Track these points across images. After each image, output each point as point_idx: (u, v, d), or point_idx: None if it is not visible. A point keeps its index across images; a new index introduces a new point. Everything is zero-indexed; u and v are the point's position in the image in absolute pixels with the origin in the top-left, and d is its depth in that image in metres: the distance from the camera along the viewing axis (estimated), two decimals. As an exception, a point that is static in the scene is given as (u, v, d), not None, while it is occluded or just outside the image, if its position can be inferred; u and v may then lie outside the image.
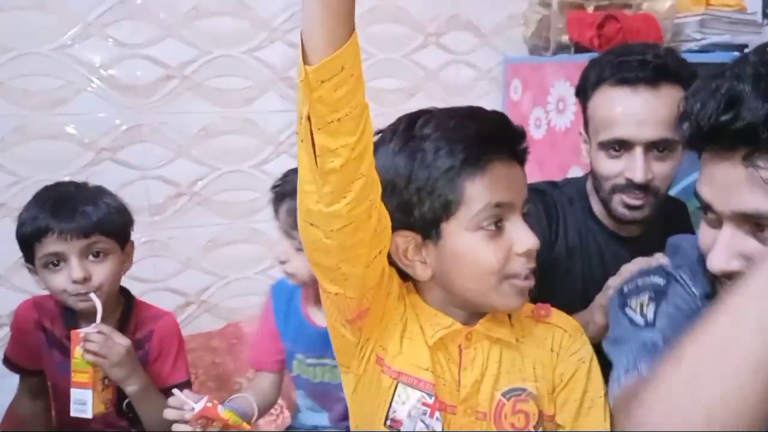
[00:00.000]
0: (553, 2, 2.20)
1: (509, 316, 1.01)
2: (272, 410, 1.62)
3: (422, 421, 0.95)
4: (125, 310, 1.41)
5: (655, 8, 2.07)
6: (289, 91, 2.14)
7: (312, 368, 1.40)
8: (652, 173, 1.23)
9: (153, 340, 1.41)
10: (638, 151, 1.23)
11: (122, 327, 1.34)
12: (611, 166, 1.27)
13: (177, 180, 2.08)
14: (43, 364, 1.41)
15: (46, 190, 1.34)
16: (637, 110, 1.22)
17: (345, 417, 1.17)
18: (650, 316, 0.94)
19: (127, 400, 1.35)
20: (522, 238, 0.91)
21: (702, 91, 0.79)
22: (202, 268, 2.16)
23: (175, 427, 1.12)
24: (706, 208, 0.85)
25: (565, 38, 2.17)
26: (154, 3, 1.97)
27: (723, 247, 0.83)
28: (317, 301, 1.32)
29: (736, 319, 0.63)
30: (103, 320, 1.27)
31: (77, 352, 1.25)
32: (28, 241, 1.28)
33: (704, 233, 0.88)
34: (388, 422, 0.96)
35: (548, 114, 2.21)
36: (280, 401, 1.65)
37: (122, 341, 1.27)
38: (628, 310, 0.97)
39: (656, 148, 1.23)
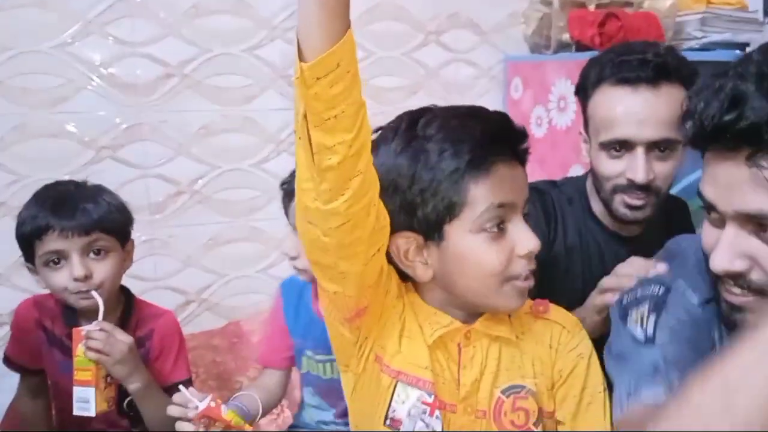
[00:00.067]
0: (554, 0, 2.20)
1: (508, 313, 1.01)
2: (273, 409, 1.62)
3: (422, 420, 0.95)
4: (126, 308, 1.41)
5: (657, 6, 2.07)
6: (289, 89, 2.14)
7: (322, 364, 1.40)
8: (654, 173, 1.23)
9: (154, 338, 1.40)
10: (639, 151, 1.22)
11: (123, 325, 1.34)
12: (612, 167, 1.26)
13: (177, 178, 2.08)
14: (43, 363, 1.41)
15: (46, 189, 1.34)
16: (638, 110, 1.21)
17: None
18: (650, 329, 0.93)
19: (127, 399, 1.35)
20: (524, 239, 0.91)
21: (705, 90, 0.78)
22: (202, 266, 2.15)
23: (178, 425, 1.11)
24: (709, 207, 0.85)
25: (566, 36, 2.17)
26: (154, 1, 1.97)
27: (726, 247, 0.82)
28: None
29: (744, 367, 0.62)
30: (104, 319, 1.27)
31: (79, 350, 1.24)
32: (28, 239, 1.28)
33: (707, 233, 0.88)
34: (388, 421, 0.96)
35: (549, 113, 2.21)
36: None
37: (124, 338, 1.27)
38: (629, 323, 0.97)
39: (657, 147, 1.22)
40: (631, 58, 1.22)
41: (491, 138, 0.89)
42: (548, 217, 1.37)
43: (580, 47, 2.10)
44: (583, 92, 1.32)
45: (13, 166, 1.88)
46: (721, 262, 0.83)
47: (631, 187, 1.24)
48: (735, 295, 0.86)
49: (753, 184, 0.77)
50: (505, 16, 2.46)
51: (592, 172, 1.34)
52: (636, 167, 1.22)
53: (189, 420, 1.10)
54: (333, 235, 0.80)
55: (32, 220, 1.27)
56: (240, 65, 2.09)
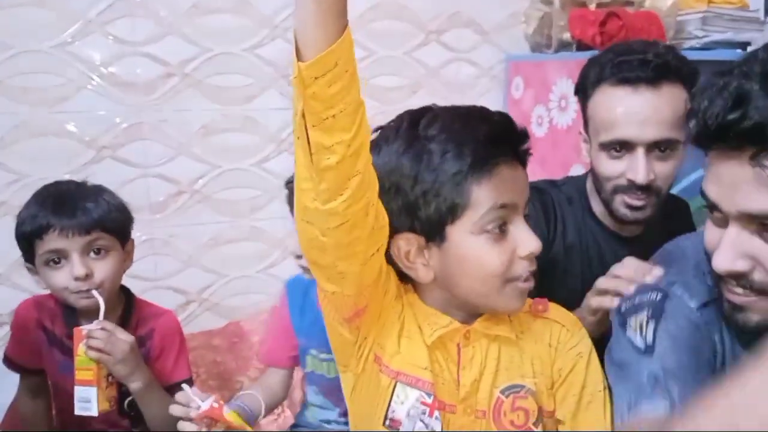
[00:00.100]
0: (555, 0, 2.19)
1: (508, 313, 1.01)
2: (275, 409, 1.62)
3: (421, 420, 0.95)
4: (126, 308, 1.41)
5: (658, 5, 2.07)
6: (290, 88, 2.12)
7: (326, 363, 1.40)
8: (654, 174, 1.22)
9: (154, 338, 1.41)
10: (640, 151, 1.21)
11: (123, 325, 1.34)
12: (612, 167, 1.26)
13: (178, 178, 2.07)
14: (43, 364, 1.41)
15: (46, 188, 1.34)
16: (639, 110, 1.20)
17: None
18: (650, 337, 0.93)
19: (128, 399, 1.35)
20: (525, 241, 0.91)
21: (709, 88, 0.78)
22: (203, 266, 2.15)
23: (180, 425, 1.11)
24: (712, 207, 0.84)
25: (567, 36, 2.16)
26: (155, 0, 1.96)
27: (729, 247, 0.82)
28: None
29: (751, 392, 0.62)
30: (105, 318, 1.27)
31: (80, 349, 1.24)
32: (28, 239, 1.28)
33: (710, 232, 0.88)
34: (387, 422, 0.96)
35: (550, 112, 2.21)
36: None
37: (126, 337, 1.27)
38: (628, 331, 0.97)
39: (658, 148, 1.22)
40: (631, 58, 1.22)
41: (494, 139, 0.89)
42: (548, 217, 1.37)
43: (581, 46, 2.09)
44: (583, 92, 1.31)
45: (13, 166, 1.87)
46: (723, 262, 0.83)
47: (632, 187, 1.24)
48: (737, 295, 0.86)
49: (756, 184, 0.77)
50: (506, 15, 2.45)
51: (593, 172, 1.34)
52: (636, 168, 1.22)
53: (191, 420, 1.10)
54: (331, 235, 0.79)
55: (32, 219, 1.27)
56: (241, 64, 2.09)
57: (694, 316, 0.93)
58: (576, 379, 1.00)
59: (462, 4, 2.39)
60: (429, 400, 0.95)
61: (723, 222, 0.84)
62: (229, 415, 1.10)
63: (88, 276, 1.27)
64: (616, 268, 1.11)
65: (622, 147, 1.23)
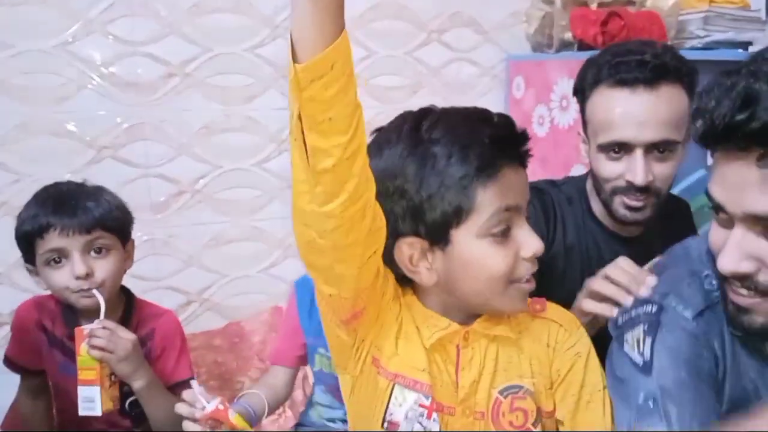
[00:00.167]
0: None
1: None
2: (278, 408, 1.62)
3: (419, 422, 0.95)
4: (126, 308, 1.41)
5: (659, 5, 2.06)
6: (290, 88, 2.13)
7: None
8: (653, 175, 1.22)
9: (155, 338, 1.40)
10: (638, 153, 1.21)
11: (123, 325, 1.33)
12: (611, 168, 1.25)
13: (178, 178, 2.07)
14: (44, 364, 1.40)
15: (46, 189, 1.34)
16: (637, 112, 1.20)
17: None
18: (647, 353, 0.94)
19: (129, 400, 1.35)
20: (528, 242, 0.91)
21: (717, 88, 0.77)
22: (203, 266, 2.15)
23: (185, 424, 1.11)
24: (717, 208, 0.84)
25: (568, 35, 2.16)
26: (155, 0, 1.96)
27: (734, 248, 0.82)
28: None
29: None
30: (105, 318, 1.27)
31: (82, 349, 1.24)
32: (29, 238, 1.28)
33: (715, 233, 0.87)
34: (385, 424, 0.96)
35: (551, 111, 2.21)
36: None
37: (128, 336, 1.27)
38: (625, 347, 0.97)
39: (656, 149, 1.21)
40: (629, 59, 1.21)
41: (498, 142, 0.89)
42: (548, 217, 1.37)
43: (583, 46, 2.09)
44: (581, 94, 1.31)
45: (14, 166, 1.87)
46: (728, 263, 0.82)
47: (631, 188, 1.23)
48: (742, 296, 0.86)
49: (763, 186, 0.76)
50: (507, 15, 2.45)
51: (592, 173, 1.33)
52: (635, 169, 1.21)
53: (195, 420, 1.10)
54: (328, 238, 0.79)
55: (33, 219, 1.27)
56: (241, 64, 2.09)
57: (691, 327, 0.93)
58: (574, 379, 1.00)
59: (463, 4, 2.39)
60: (427, 403, 0.95)
61: (728, 223, 0.84)
62: (235, 419, 1.10)
63: (88, 275, 1.27)
64: (610, 271, 1.10)
65: (620, 148, 1.23)
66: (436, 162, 0.87)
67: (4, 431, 1.52)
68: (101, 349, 1.23)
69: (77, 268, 1.26)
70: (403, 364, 0.96)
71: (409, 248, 0.92)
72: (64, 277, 1.28)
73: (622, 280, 1.06)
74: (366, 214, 0.80)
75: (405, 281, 0.98)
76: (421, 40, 2.35)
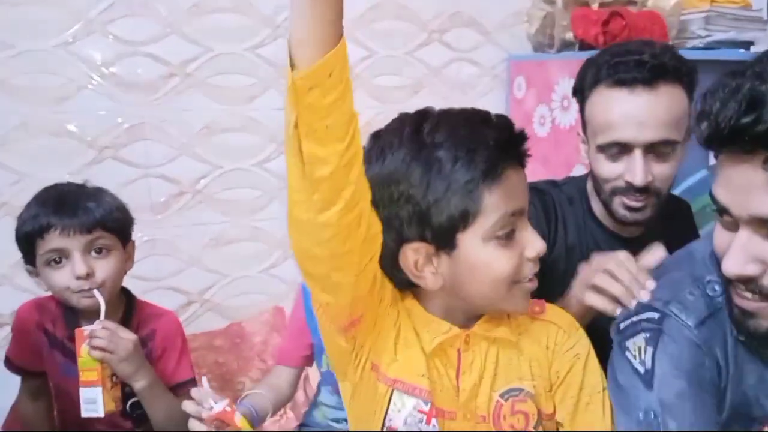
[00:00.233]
0: (558, -1, 2.19)
1: (507, 314, 1.01)
2: (281, 408, 1.62)
3: (419, 428, 0.95)
4: (127, 309, 1.41)
5: (660, 5, 2.06)
6: (291, 88, 2.12)
7: None
8: (652, 175, 1.22)
9: (156, 338, 1.40)
10: (637, 153, 1.21)
11: (124, 326, 1.33)
12: (610, 169, 1.25)
13: (179, 178, 2.07)
14: (44, 366, 1.40)
15: (46, 190, 1.34)
16: (636, 112, 1.19)
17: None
18: (648, 362, 0.94)
19: (131, 401, 1.34)
20: (532, 242, 0.92)
21: (721, 89, 0.77)
22: (204, 266, 2.15)
23: (190, 423, 1.11)
24: (722, 210, 0.83)
25: (569, 35, 2.16)
26: (156, 0, 1.96)
27: (739, 251, 0.81)
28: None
29: None
30: (106, 319, 1.27)
31: (83, 350, 1.24)
32: (29, 239, 1.28)
33: (719, 236, 0.87)
34: (385, 430, 0.96)
35: (552, 112, 2.20)
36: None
37: (129, 336, 1.27)
38: (627, 354, 0.97)
39: (656, 149, 1.21)
40: (628, 59, 1.21)
41: (502, 145, 0.89)
42: (549, 217, 1.36)
43: (584, 46, 2.08)
44: (580, 94, 1.31)
45: (14, 166, 1.87)
46: (733, 265, 0.82)
47: (630, 189, 1.23)
48: (747, 300, 0.85)
49: None
50: (508, 14, 2.45)
51: (592, 173, 1.33)
52: (634, 170, 1.21)
53: (201, 419, 1.10)
54: (325, 247, 0.79)
55: (33, 219, 1.27)
56: (242, 64, 2.08)
57: (693, 335, 0.93)
58: (574, 381, 1.00)
59: (463, 4, 2.38)
60: (426, 408, 0.95)
61: (733, 225, 0.83)
62: (240, 421, 1.10)
63: (89, 275, 1.27)
64: (613, 267, 1.08)
65: (619, 149, 1.23)
66: (441, 166, 0.86)
67: (4, 432, 1.52)
68: (102, 349, 1.23)
69: (78, 268, 1.26)
70: (402, 370, 0.95)
71: (414, 254, 0.91)
72: (64, 277, 1.27)
73: (624, 279, 1.05)
74: (362, 222, 0.80)
75: (406, 286, 0.98)
76: (422, 40, 2.34)
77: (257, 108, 2.12)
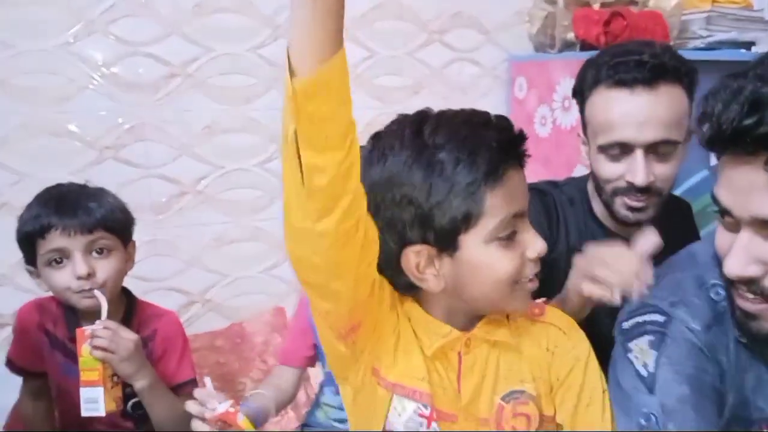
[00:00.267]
0: (559, -1, 2.19)
1: (507, 316, 1.01)
2: (284, 408, 1.62)
3: None
4: (127, 310, 1.41)
5: (662, 5, 2.06)
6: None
7: None
8: (654, 175, 1.22)
9: (156, 339, 1.40)
10: (638, 153, 1.21)
11: (125, 326, 1.33)
12: (612, 169, 1.25)
13: (180, 178, 2.07)
14: (45, 367, 1.40)
15: (48, 191, 1.35)
16: (636, 112, 1.20)
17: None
18: (651, 366, 0.94)
19: (132, 401, 1.34)
20: (533, 242, 0.92)
21: (723, 91, 0.77)
22: (205, 267, 2.15)
23: (193, 424, 1.11)
24: (723, 212, 0.83)
25: (570, 35, 2.16)
26: (157, 0, 1.96)
27: (740, 252, 0.81)
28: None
29: None
30: (107, 319, 1.27)
31: (84, 349, 1.24)
32: (30, 239, 1.28)
33: (721, 237, 0.87)
34: None
35: (554, 112, 2.20)
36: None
37: (130, 336, 1.27)
38: (630, 355, 0.97)
39: (657, 149, 1.21)
40: (627, 59, 1.21)
41: (504, 146, 0.88)
42: (550, 218, 1.36)
43: (585, 46, 2.09)
44: (580, 95, 1.31)
45: (15, 166, 1.87)
46: (735, 266, 0.82)
47: (631, 189, 1.23)
48: (748, 301, 0.85)
49: None
50: (509, 15, 2.44)
51: (593, 174, 1.33)
52: (635, 170, 1.21)
53: (204, 419, 1.10)
54: (323, 255, 0.79)
55: (34, 219, 1.27)
56: (243, 64, 2.08)
57: (699, 340, 0.93)
58: (574, 382, 1.00)
59: (464, 4, 2.38)
60: (426, 412, 0.94)
61: (735, 227, 0.83)
62: (243, 422, 1.10)
63: (90, 275, 1.27)
64: (611, 259, 1.07)
65: (620, 149, 1.23)
66: (443, 168, 0.86)
67: (6, 432, 1.53)
68: (103, 349, 1.23)
69: (79, 268, 1.26)
70: (401, 374, 0.95)
71: (416, 256, 0.91)
72: (65, 277, 1.27)
73: (622, 269, 1.04)
74: (359, 229, 0.80)
75: (407, 289, 0.97)
76: (423, 40, 2.34)
77: (258, 108, 2.12)
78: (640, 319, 0.99)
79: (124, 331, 1.27)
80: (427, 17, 2.33)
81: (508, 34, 2.45)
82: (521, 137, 0.92)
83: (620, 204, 1.26)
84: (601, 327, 1.13)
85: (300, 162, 0.72)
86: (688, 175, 1.67)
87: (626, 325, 1.01)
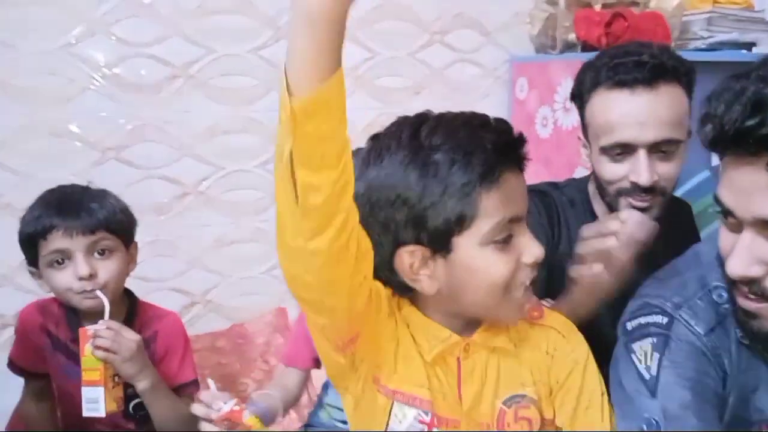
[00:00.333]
0: (560, 0, 2.19)
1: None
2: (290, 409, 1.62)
3: None
4: (129, 311, 1.41)
5: (663, 6, 2.06)
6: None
7: None
8: (657, 174, 1.22)
9: (158, 340, 1.40)
10: (641, 153, 1.21)
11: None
12: (615, 170, 1.25)
13: (182, 179, 2.07)
14: (48, 368, 1.40)
15: (50, 192, 1.35)
16: (637, 112, 1.20)
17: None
18: (654, 369, 0.94)
19: (134, 402, 1.34)
20: (530, 247, 0.91)
21: (726, 92, 0.77)
22: (207, 267, 2.15)
23: (200, 425, 1.11)
24: (726, 212, 0.83)
25: (572, 36, 2.16)
26: (159, 1, 1.96)
27: (743, 253, 0.81)
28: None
29: None
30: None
31: (87, 349, 1.24)
32: (32, 240, 1.28)
33: (724, 238, 0.87)
34: None
35: (555, 113, 2.20)
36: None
37: (132, 336, 1.27)
38: (633, 357, 0.97)
39: (659, 148, 1.21)
40: (627, 60, 1.21)
41: (500, 148, 0.88)
42: (551, 220, 1.36)
43: (586, 47, 2.09)
44: (580, 98, 1.31)
45: (17, 167, 1.87)
46: (737, 267, 0.82)
47: (635, 189, 1.23)
48: (750, 300, 0.85)
49: None
50: (511, 15, 2.45)
51: (595, 176, 1.33)
52: (639, 170, 1.21)
53: (210, 420, 1.10)
54: (316, 274, 0.78)
55: (36, 220, 1.27)
56: (245, 66, 2.08)
57: (702, 342, 0.93)
58: (573, 385, 1.00)
59: (466, 5, 2.38)
60: (427, 419, 0.94)
61: (737, 227, 0.83)
62: (249, 420, 1.10)
63: (92, 276, 1.27)
64: (586, 231, 1.12)
65: (623, 150, 1.23)
66: (438, 169, 0.86)
67: (8, 433, 1.53)
68: (105, 349, 1.23)
69: (80, 268, 1.26)
70: (402, 381, 0.95)
71: (410, 256, 0.90)
72: (67, 278, 1.28)
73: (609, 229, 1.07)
74: (350, 244, 0.78)
75: (403, 290, 0.97)
76: (424, 41, 2.34)
77: (259, 109, 2.12)
78: (643, 320, 0.99)
79: (126, 331, 1.27)
80: (428, 18, 2.33)
81: (509, 35, 2.46)
82: (520, 140, 0.91)
83: (625, 205, 1.26)
84: (602, 327, 1.13)
85: (294, 180, 0.72)
86: (688, 176, 1.67)
87: (630, 325, 1.01)
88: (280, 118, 0.71)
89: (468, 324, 0.97)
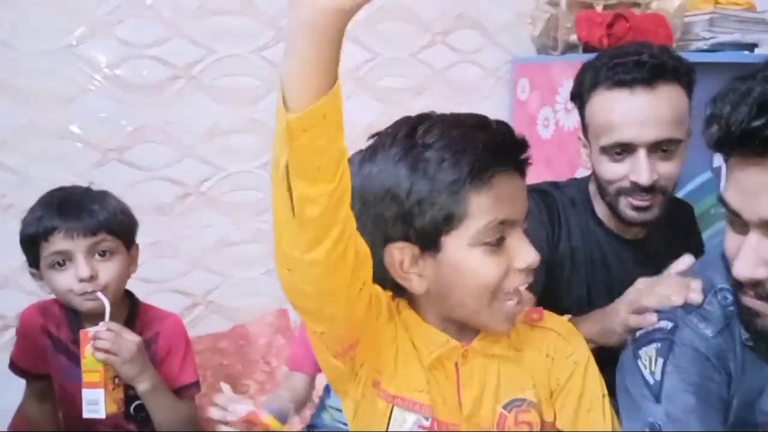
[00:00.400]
0: (562, 1, 2.19)
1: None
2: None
3: None
4: (130, 312, 1.40)
5: (665, 7, 2.06)
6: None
7: None
8: (657, 174, 1.22)
9: (159, 341, 1.40)
10: (641, 153, 1.21)
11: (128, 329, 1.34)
12: (615, 170, 1.25)
13: (183, 180, 2.07)
14: (49, 369, 1.40)
15: (51, 193, 1.35)
16: (637, 112, 1.20)
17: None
18: (658, 374, 0.94)
19: (135, 404, 1.34)
20: (523, 253, 0.89)
21: (732, 93, 0.77)
22: (208, 268, 2.15)
23: (218, 427, 1.11)
24: (732, 214, 0.83)
25: (573, 37, 2.16)
26: (160, 2, 1.96)
27: (749, 254, 0.81)
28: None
29: None
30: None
31: (87, 351, 1.24)
32: (33, 241, 1.28)
33: (730, 239, 0.86)
34: None
35: (556, 114, 2.20)
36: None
37: (132, 338, 1.27)
38: (638, 361, 0.97)
39: (659, 148, 1.22)
40: (626, 60, 1.21)
41: (493, 148, 0.87)
42: (552, 219, 1.36)
43: (588, 48, 2.09)
44: (579, 98, 1.31)
45: (18, 168, 1.87)
46: (743, 269, 0.82)
47: (636, 189, 1.23)
48: (752, 299, 0.85)
49: None
50: (512, 16, 2.45)
51: (595, 176, 1.33)
52: (639, 169, 1.21)
53: (226, 422, 1.10)
54: (313, 284, 0.77)
55: (37, 221, 1.27)
56: (247, 66, 2.08)
57: (709, 345, 0.93)
58: (573, 387, 0.99)
59: (467, 6, 2.38)
60: (427, 423, 0.93)
61: (743, 229, 0.83)
62: (267, 418, 1.10)
63: (93, 277, 1.27)
64: (660, 288, 1.05)
65: (623, 149, 1.23)
66: (427, 166, 0.85)
67: (9, 434, 1.53)
68: (106, 351, 1.23)
69: (81, 270, 1.26)
70: (401, 386, 0.94)
71: (399, 253, 0.90)
72: (68, 279, 1.27)
73: (669, 293, 1.02)
74: (348, 255, 0.78)
75: (399, 292, 0.97)
76: (426, 41, 2.34)
77: (261, 110, 2.12)
78: (649, 327, 0.99)
79: (126, 333, 1.27)
80: (429, 19, 2.33)
81: (510, 36, 2.46)
82: (521, 143, 0.90)
83: (625, 204, 1.26)
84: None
85: (290, 192, 0.71)
86: (690, 178, 1.67)
87: (638, 333, 1.01)
88: (276, 129, 0.70)
89: (465, 330, 0.96)
